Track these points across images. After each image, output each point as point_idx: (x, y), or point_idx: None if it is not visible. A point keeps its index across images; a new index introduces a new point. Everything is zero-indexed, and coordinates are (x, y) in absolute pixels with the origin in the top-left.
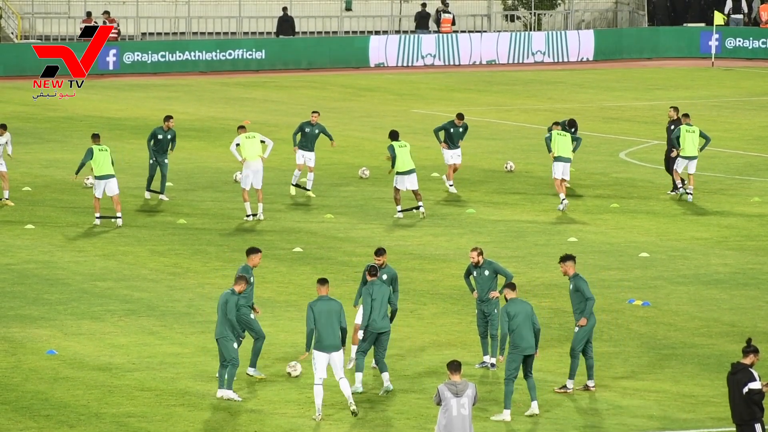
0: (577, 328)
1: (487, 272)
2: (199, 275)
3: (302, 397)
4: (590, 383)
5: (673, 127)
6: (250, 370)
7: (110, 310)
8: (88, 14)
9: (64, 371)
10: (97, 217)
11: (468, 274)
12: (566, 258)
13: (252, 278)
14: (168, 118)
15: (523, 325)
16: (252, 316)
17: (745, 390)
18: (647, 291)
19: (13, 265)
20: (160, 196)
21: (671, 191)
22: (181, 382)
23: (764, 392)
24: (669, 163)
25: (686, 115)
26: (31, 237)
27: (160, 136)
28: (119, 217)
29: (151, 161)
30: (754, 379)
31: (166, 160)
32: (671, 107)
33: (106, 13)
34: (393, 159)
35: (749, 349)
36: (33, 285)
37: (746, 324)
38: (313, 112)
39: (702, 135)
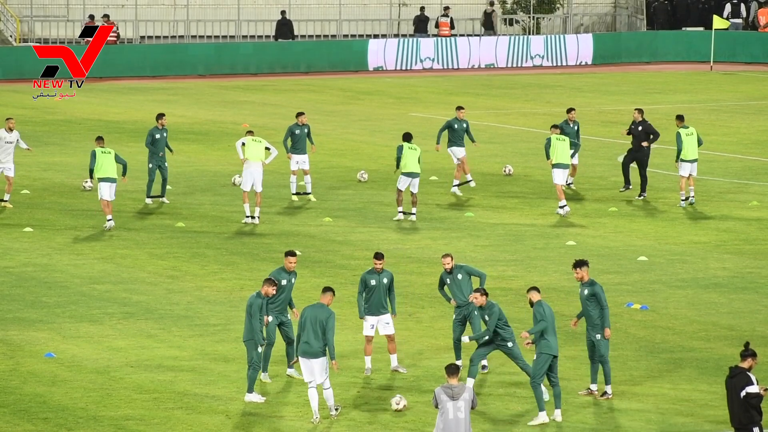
0: (598, 336)
1: (460, 276)
2: (198, 278)
3: (300, 399)
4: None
5: (640, 128)
6: (263, 376)
7: (108, 313)
8: (91, 17)
9: (63, 374)
10: (108, 220)
11: (442, 284)
12: (581, 263)
13: (284, 281)
14: (161, 115)
15: (551, 327)
16: (270, 319)
17: (743, 394)
18: (645, 295)
19: (11, 268)
20: (161, 199)
21: (623, 189)
22: (179, 385)
23: (762, 396)
24: (626, 162)
25: (680, 118)
26: (30, 240)
27: (157, 136)
28: (110, 220)
29: (150, 165)
30: (752, 383)
31: (166, 164)
32: (636, 109)
33: (106, 16)
34: (398, 160)
35: (747, 352)
36: (31, 288)
37: (744, 328)
38: (299, 113)
39: (697, 139)
